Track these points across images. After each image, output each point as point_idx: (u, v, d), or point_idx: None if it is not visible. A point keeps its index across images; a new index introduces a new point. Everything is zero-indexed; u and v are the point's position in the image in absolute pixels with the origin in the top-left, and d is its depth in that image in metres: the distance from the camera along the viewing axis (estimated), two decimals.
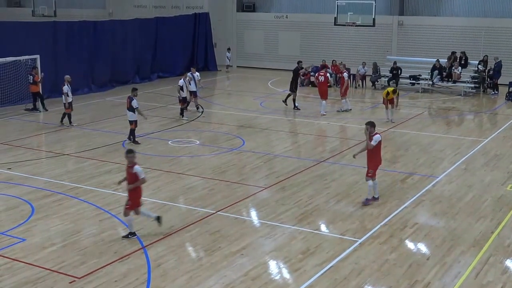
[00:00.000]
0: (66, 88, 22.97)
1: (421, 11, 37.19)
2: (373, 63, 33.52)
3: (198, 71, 39.01)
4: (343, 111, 26.35)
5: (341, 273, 11.11)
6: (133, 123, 20.52)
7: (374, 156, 14.76)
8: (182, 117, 24.69)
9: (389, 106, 24.10)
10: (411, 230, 13.23)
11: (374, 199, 14.88)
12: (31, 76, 25.57)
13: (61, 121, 23.38)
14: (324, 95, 25.88)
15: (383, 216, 14.05)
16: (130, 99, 20.37)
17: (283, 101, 27.30)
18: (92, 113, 26.30)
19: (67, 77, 23.53)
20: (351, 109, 26.50)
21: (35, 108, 25.96)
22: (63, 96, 23.06)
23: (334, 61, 34.57)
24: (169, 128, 23.18)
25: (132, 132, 20.63)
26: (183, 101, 24.79)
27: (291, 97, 26.95)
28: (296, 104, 26.78)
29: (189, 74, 25.55)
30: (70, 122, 23.34)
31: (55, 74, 28.18)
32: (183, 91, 24.59)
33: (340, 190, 15.91)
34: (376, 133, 14.69)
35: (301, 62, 28.74)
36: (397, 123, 23.93)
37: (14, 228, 13.17)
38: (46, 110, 25.75)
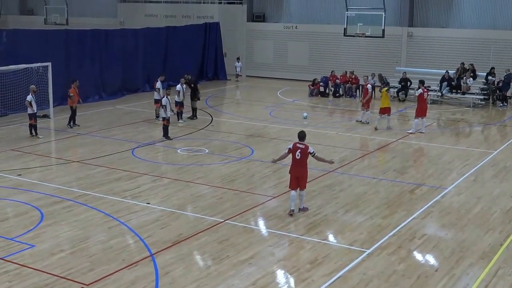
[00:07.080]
0: (29, 97, 22.58)
1: (430, 23, 37.17)
2: (378, 75, 33.39)
3: (208, 80, 39.64)
4: (362, 122, 26.07)
5: (349, 284, 11.10)
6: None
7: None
8: (178, 120, 25.68)
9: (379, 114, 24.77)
10: (420, 241, 13.21)
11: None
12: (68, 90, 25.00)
13: (30, 132, 22.69)
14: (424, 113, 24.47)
15: (391, 227, 14.04)
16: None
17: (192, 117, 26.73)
18: (102, 120, 26.43)
19: (32, 86, 23.50)
20: (368, 123, 25.75)
21: (74, 124, 24.78)
22: (27, 107, 22.60)
23: (345, 72, 34.56)
24: (178, 136, 23.25)
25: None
26: (180, 105, 25.75)
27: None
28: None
29: (158, 83, 26.15)
30: (36, 134, 22.72)
31: (66, 81, 28.28)
32: (179, 95, 25.50)
33: (348, 201, 15.91)
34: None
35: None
36: (405, 134, 23.91)
37: (24, 234, 13.24)
38: (71, 127, 24.56)
